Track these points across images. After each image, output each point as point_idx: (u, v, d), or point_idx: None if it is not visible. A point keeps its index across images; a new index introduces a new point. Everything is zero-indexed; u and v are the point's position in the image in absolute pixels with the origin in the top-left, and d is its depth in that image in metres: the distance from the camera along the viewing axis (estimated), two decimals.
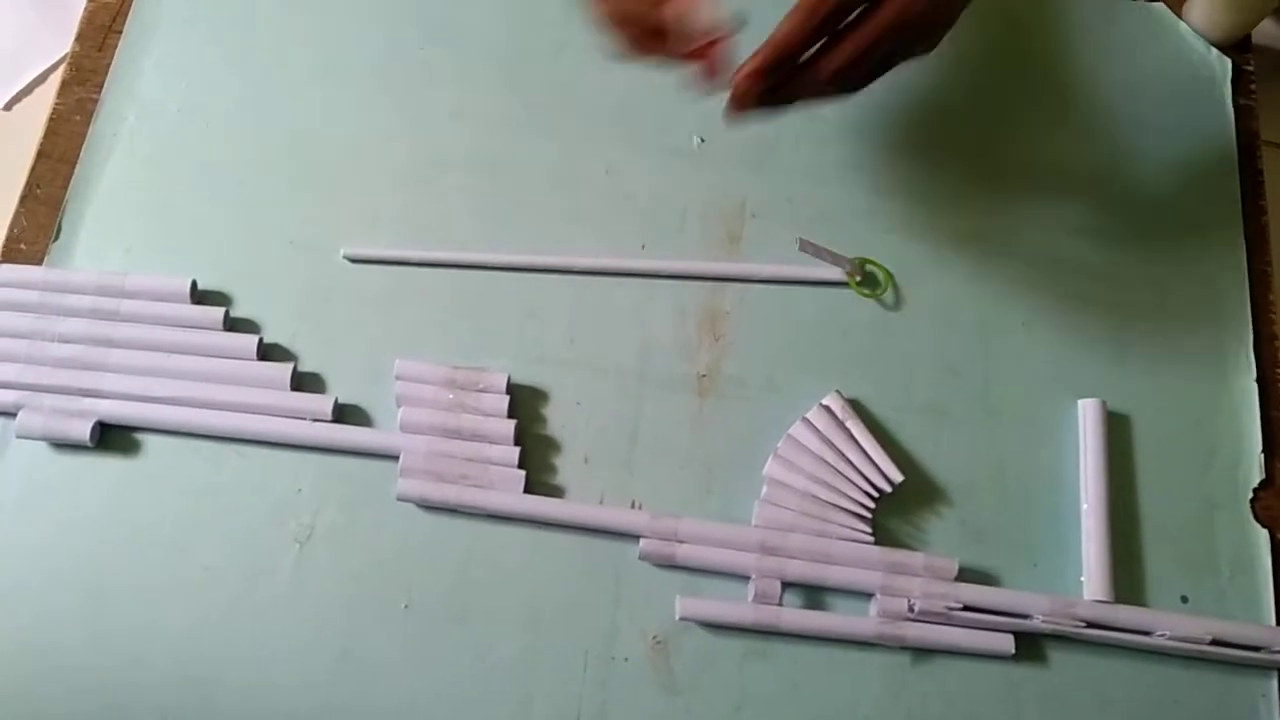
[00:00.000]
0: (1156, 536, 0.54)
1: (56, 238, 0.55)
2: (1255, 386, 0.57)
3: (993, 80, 0.64)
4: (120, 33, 0.59)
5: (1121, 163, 0.62)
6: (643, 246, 0.57)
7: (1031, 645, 0.51)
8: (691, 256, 0.57)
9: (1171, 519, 0.54)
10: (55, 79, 0.61)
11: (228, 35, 0.60)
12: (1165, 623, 0.51)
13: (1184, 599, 0.53)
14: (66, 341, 0.51)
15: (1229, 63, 0.66)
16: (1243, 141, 0.64)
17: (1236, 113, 0.65)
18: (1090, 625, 0.50)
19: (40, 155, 0.56)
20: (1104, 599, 0.51)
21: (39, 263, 0.54)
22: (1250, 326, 0.59)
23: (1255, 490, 0.55)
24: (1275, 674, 0.52)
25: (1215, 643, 0.50)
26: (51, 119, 0.57)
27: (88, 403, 0.51)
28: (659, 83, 0.61)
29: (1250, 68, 0.66)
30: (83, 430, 0.50)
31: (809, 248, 0.55)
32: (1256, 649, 0.51)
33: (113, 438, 0.51)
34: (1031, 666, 0.51)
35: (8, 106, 0.81)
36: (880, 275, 0.58)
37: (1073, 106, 0.63)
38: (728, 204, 0.59)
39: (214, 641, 0.48)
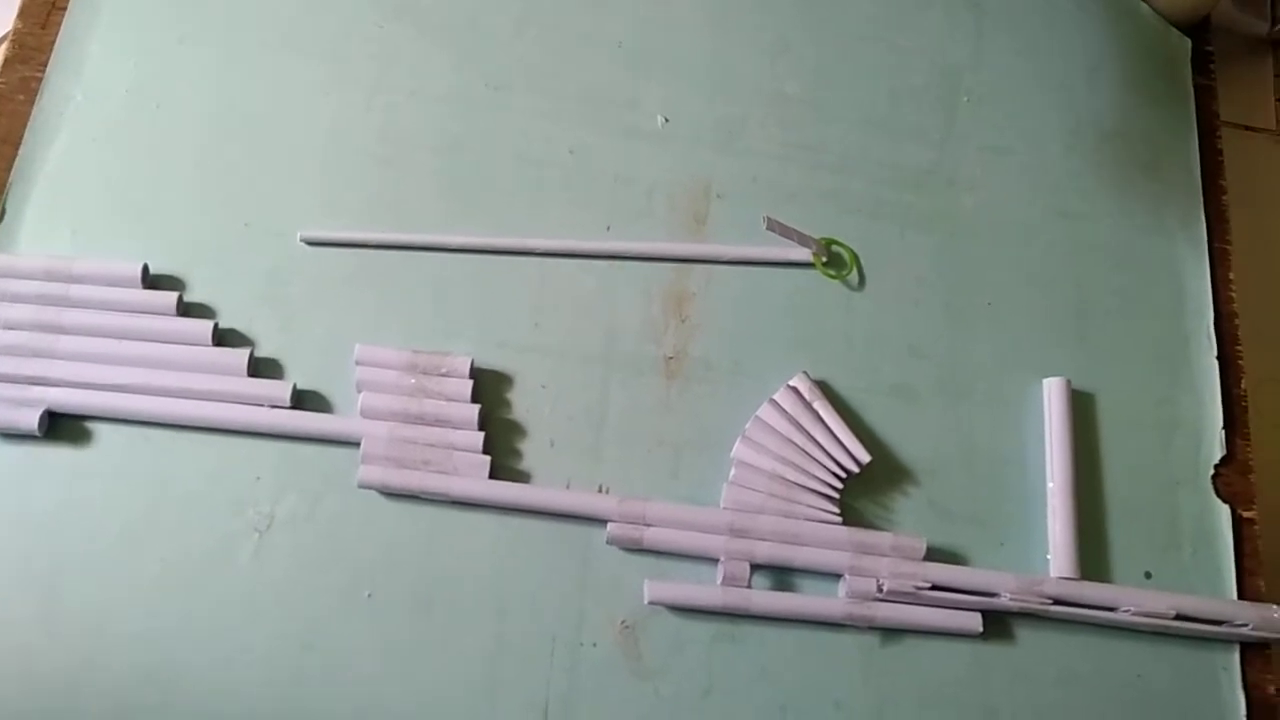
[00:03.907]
0: (1121, 513, 0.54)
1: (0, 221, 0.53)
2: (1216, 364, 0.58)
3: (953, 62, 0.63)
4: (64, 9, 0.57)
5: (1083, 142, 0.63)
6: (608, 228, 0.57)
7: (999, 623, 0.51)
8: (657, 238, 0.57)
9: (1135, 496, 0.55)
10: None
11: (178, 12, 0.58)
12: (1130, 598, 0.51)
13: (1148, 575, 0.53)
14: (12, 328, 0.50)
15: (1189, 43, 0.66)
16: (1203, 121, 0.65)
17: (1196, 93, 0.65)
18: (1057, 602, 0.51)
19: None
20: (1070, 576, 0.52)
21: None
22: (1211, 304, 0.59)
23: (1217, 466, 0.56)
24: (1236, 647, 0.53)
25: (1179, 617, 0.51)
26: None
27: (36, 391, 0.49)
28: (623, 61, 0.60)
29: (1210, 48, 0.67)
30: (31, 419, 0.48)
31: (776, 226, 0.54)
32: (1219, 623, 0.51)
33: (62, 427, 0.49)
34: (999, 644, 0.51)
35: None
36: (846, 256, 0.58)
37: (1033, 88, 0.63)
38: (693, 184, 0.58)
39: (172, 636, 0.47)
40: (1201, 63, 0.66)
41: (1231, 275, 0.61)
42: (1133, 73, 0.65)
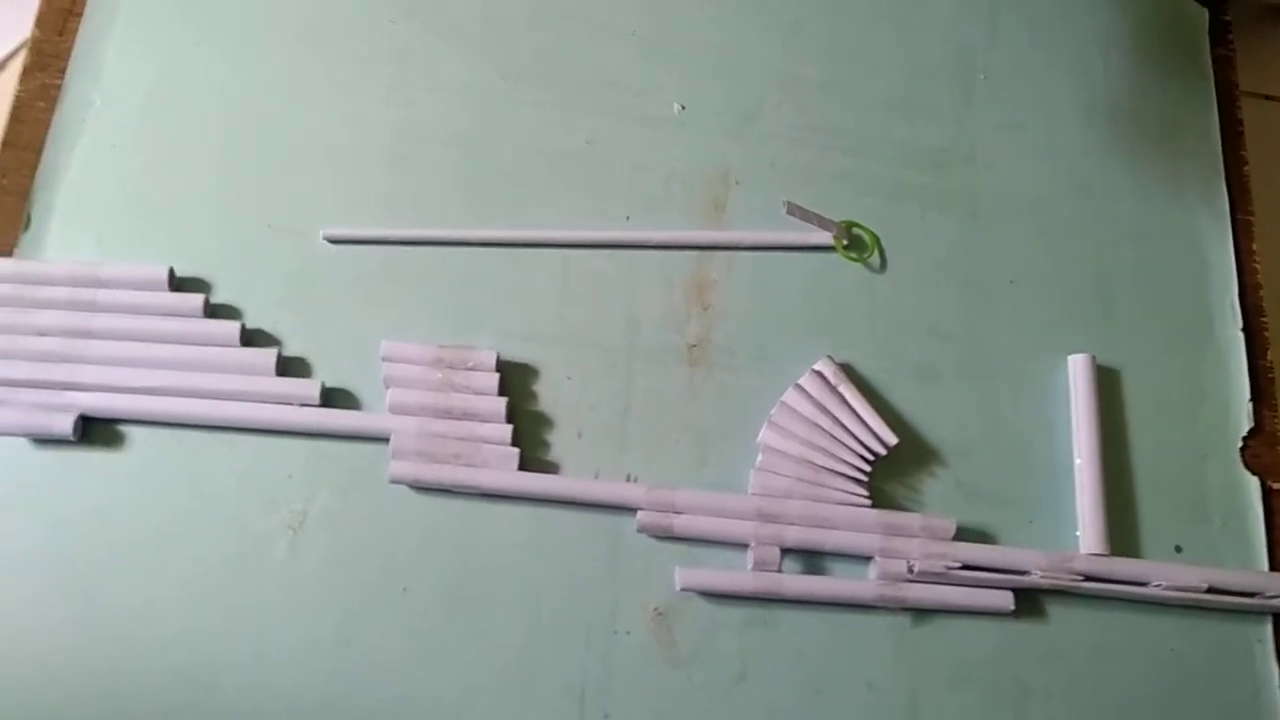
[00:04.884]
0: (1149, 488, 0.54)
1: (26, 228, 0.53)
2: (1241, 336, 0.58)
3: (968, 40, 0.63)
4: (81, 15, 0.57)
5: (1101, 116, 0.62)
6: (627, 217, 0.57)
7: (1030, 601, 0.51)
8: (677, 225, 0.57)
9: (1163, 470, 0.55)
10: (16, 65, 0.59)
11: (194, 15, 0.58)
12: (1161, 573, 0.51)
13: (1178, 549, 0.53)
14: (43, 334, 0.50)
15: (1206, 13, 0.66)
16: (1222, 92, 0.64)
17: (1215, 64, 0.65)
18: (1087, 578, 0.51)
19: (4, 144, 0.55)
20: (1100, 552, 0.51)
21: (9, 254, 0.53)
22: (1235, 276, 0.59)
23: (1244, 438, 0.56)
24: (1269, 619, 0.52)
25: (1210, 590, 0.51)
26: (15, 106, 0.55)
27: (68, 396, 0.49)
28: (637, 49, 0.60)
29: (1228, 18, 0.66)
30: (64, 424, 0.49)
31: (796, 210, 0.54)
32: (1251, 595, 0.51)
33: (95, 431, 0.50)
34: (1031, 622, 0.51)
35: None
36: (867, 238, 0.58)
37: (1049, 63, 0.63)
38: (711, 171, 0.58)
39: (208, 636, 0.47)
40: (1219, 33, 0.66)
41: (1255, 246, 0.60)
42: (1149, 45, 0.64)
